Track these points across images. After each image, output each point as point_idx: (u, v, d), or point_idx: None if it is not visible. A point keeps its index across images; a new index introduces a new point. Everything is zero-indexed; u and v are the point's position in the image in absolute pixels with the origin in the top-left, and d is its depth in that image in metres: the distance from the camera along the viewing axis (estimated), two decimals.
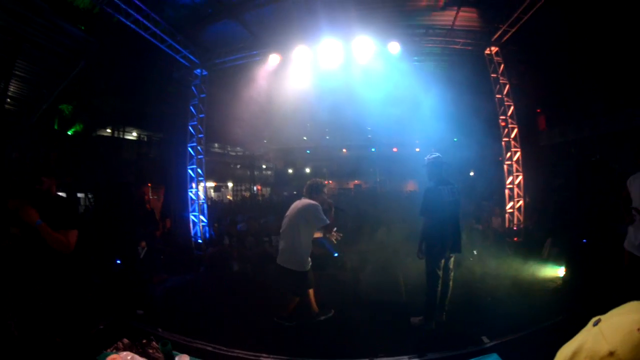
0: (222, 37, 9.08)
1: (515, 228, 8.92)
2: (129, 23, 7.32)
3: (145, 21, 7.45)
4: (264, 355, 3.92)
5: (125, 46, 9.12)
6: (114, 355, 2.41)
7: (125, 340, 2.70)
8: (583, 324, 0.84)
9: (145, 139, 17.12)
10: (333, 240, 4.88)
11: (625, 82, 8.37)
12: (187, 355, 2.48)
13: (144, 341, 2.74)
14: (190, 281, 7.37)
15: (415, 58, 9.01)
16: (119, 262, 6.70)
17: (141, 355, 2.56)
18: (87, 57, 8.77)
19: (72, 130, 11.85)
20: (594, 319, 0.83)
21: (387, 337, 4.38)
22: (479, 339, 4.20)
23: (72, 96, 11.10)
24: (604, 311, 0.84)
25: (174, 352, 2.57)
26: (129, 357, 2.43)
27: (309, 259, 4.57)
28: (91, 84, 11.04)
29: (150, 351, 2.66)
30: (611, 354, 0.73)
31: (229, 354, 3.83)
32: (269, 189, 27.52)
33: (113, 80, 11.33)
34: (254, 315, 5.24)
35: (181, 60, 9.10)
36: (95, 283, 5.77)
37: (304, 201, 4.61)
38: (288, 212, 4.66)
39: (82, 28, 7.95)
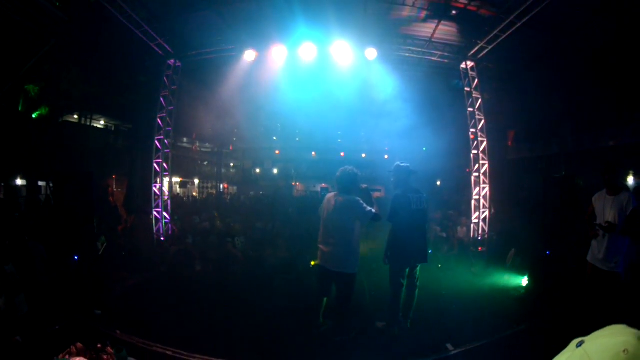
0: (199, 29, 8.82)
1: (480, 238, 9.16)
2: (105, 4, 6.90)
3: (122, 3, 7.06)
4: None
5: (97, 28, 8.64)
6: None
7: (79, 345, 2.51)
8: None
9: (113, 129, 16.51)
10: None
11: (591, 105, 8.80)
12: None
13: (99, 346, 2.57)
14: (151, 280, 7.07)
15: (391, 66, 9.04)
16: (76, 257, 6.32)
17: None
18: (57, 35, 8.22)
19: (37, 113, 11.18)
20: (576, 340, 0.83)
21: (351, 342, 4.35)
22: (444, 347, 4.25)
23: (40, 77, 10.46)
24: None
25: (130, 358, 2.43)
26: None
27: None
28: (60, 66, 10.43)
29: (105, 357, 2.50)
30: None
31: (190, 359, 3.68)
32: (235, 188, 27.15)
33: (83, 63, 10.77)
34: (216, 318, 5.09)
35: (155, 48, 8.70)
36: (52, 278, 5.45)
37: (342, 199, 4.27)
38: (326, 214, 4.33)
39: (57, 4, 7.38)
